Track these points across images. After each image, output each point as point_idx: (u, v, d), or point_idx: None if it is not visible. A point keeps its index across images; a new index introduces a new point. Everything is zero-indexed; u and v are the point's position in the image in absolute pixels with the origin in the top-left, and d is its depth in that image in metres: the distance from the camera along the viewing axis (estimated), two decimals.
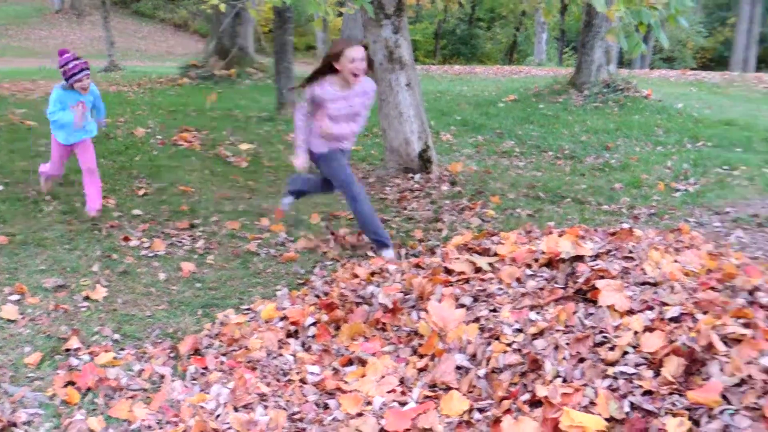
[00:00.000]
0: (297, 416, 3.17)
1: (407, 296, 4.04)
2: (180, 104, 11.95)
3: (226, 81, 16.38)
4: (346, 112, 5.22)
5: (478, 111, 12.43)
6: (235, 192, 7.16)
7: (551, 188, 7.38)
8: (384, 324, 3.89)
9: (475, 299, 3.88)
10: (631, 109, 12.13)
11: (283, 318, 4.08)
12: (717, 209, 6.68)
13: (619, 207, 6.76)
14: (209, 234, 5.83)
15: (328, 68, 5.14)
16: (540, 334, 3.37)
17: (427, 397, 3.22)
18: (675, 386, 2.89)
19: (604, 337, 3.23)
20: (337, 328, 3.93)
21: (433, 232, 5.94)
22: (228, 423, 3.08)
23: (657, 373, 2.98)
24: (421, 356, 3.54)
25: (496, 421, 2.94)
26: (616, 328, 3.27)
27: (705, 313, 3.27)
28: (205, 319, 4.28)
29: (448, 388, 3.24)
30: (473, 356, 3.42)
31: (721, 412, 2.74)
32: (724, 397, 2.79)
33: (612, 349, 3.14)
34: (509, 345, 3.37)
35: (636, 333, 3.18)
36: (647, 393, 2.90)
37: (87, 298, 4.46)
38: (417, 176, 7.64)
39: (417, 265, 4.50)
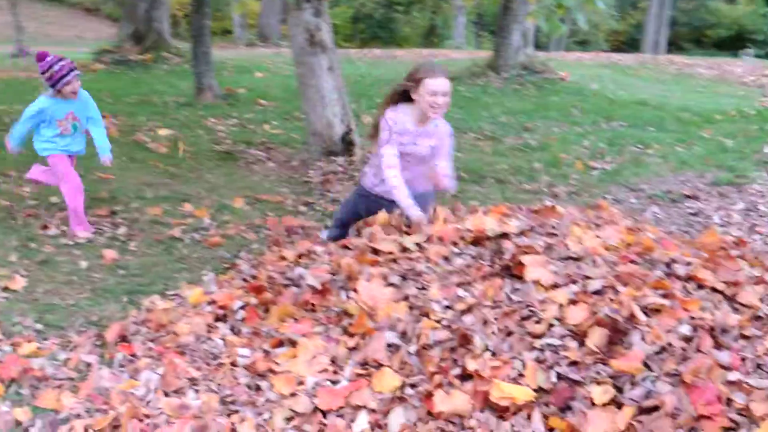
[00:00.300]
0: (229, 399, 3.15)
1: (335, 277, 4.05)
2: (95, 90, 11.60)
3: (142, 66, 16.04)
4: (410, 151, 4.38)
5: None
6: (155, 178, 7.04)
7: (473, 168, 7.47)
8: (313, 305, 3.88)
9: (404, 278, 3.91)
10: (548, 91, 12.36)
11: (211, 302, 4.04)
12: (633, 186, 6.89)
13: (540, 186, 6.91)
14: (131, 221, 5.73)
15: (401, 95, 4.37)
16: (468, 310, 3.42)
17: (359, 375, 3.24)
18: (599, 356, 2.98)
19: (531, 311, 3.30)
20: (266, 310, 3.91)
21: None
22: (160, 408, 3.05)
23: (582, 344, 3.07)
24: (352, 335, 3.55)
25: (428, 395, 2.98)
26: (542, 302, 3.34)
27: (626, 285, 3.37)
28: (131, 306, 4.22)
29: (379, 366, 3.27)
30: (403, 333, 3.45)
31: (643, 379, 2.84)
32: (645, 364, 2.89)
33: (538, 322, 3.22)
34: (438, 322, 3.41)
35: (561, 306, 3.26)
36: (573, 363, 2.98)
37: (6, 289, 4.35)
38: (340, 159, 7.64)
39: (344, 246, 4.51)
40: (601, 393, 2.84)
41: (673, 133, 9.27)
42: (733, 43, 33.48)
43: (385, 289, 3.75)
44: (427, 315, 3.49)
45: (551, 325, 3.19)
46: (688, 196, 6.57)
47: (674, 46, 34.97)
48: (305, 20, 7.42)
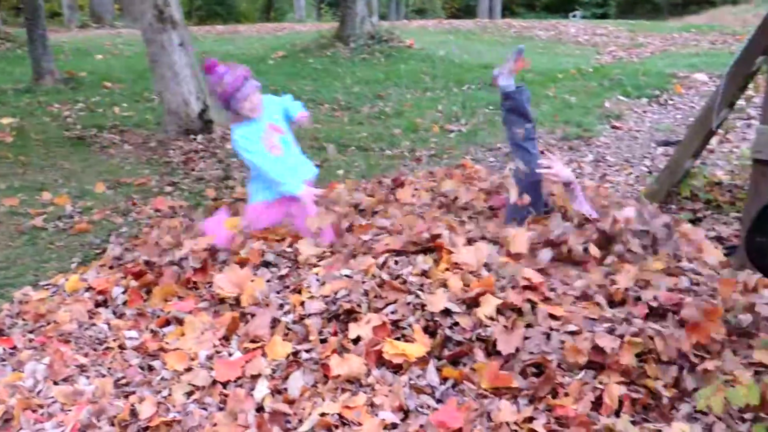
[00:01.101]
0: (123, 381, 3.11)
1: (216, 254, 4.05)
2: None
3: None
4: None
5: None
6: (6, 168, 6.71)
7: (334, 138, 7.54)
8: (195, 283, 3.88)
9: (279, 255, 3.99)
10: (397, 59, 12.54)
11: (89, 288, 3.95)
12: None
13: (401, 151, 7.05)
14: None
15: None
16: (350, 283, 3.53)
17: (247, 350, 3.26)
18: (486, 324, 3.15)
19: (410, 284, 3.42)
20: (149, 292, 3.86)
21: (225, 189, 5.93)
22: (52, 397, 2.98)
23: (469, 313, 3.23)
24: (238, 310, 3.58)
25: (324, 362, 3.05)
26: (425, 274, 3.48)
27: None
28: (2, 299, 4.05)
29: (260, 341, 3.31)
30: (281, 306, 3.51)
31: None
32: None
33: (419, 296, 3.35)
34: (317, 296, 3.49)
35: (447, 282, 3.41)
36: (463, 329, 3.13)
37: None
38: (199, 137, 7.53)
39: None
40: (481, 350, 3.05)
41: None
42: (563, 5, 34.88)
43: (260, 268, 3.82)
44: (299, 291, 3.56)
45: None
46: (542, 152, 6.84)
47: (508, 10, 36.09)
48: None
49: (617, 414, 2.82)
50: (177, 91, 7.48)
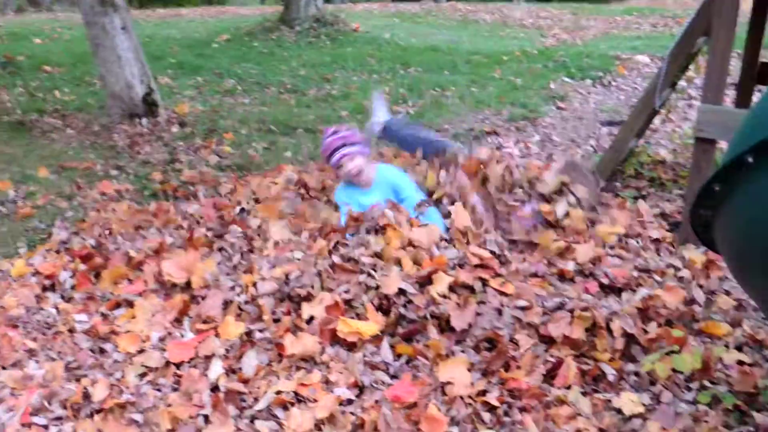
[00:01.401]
0: (74, 365, 3.08)
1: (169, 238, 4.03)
2: None
3: None
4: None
5: (192, 52, 12.18)
6: None
7: (281, 121, 7.49)
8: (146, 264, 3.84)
9: (220, 236, 3.99)
10: (343, 42, 12.50)
11: (36, 273, 3.89)
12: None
13: None
14: None
15: None
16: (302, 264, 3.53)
17: (200, 330, 3.25)
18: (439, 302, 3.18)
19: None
20: (98, 275, 3.82)
21: (172, 172, 5.86)
22: (2, 382, 2.93)
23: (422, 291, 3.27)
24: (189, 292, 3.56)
25: (278, 341, 3.05)
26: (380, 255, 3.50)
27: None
28: None
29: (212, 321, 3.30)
30: (232, 288, 3.50)
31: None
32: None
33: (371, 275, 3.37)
34: (269, 278, 3.48)
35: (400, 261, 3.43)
36: (416, 307, 3.16)
37: None
38: (144, 120, 7.41)
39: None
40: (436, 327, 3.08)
41: (466, 75, 9.68)
42: None
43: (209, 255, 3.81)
44: (251, 272, 3.56)
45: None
46: (489, 132, 6.94)
47: None
48: None
49: (567, 386, 2.88)
50: (120, 74, 7.35)
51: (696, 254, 4.01)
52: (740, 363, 3.06)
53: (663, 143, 6.50)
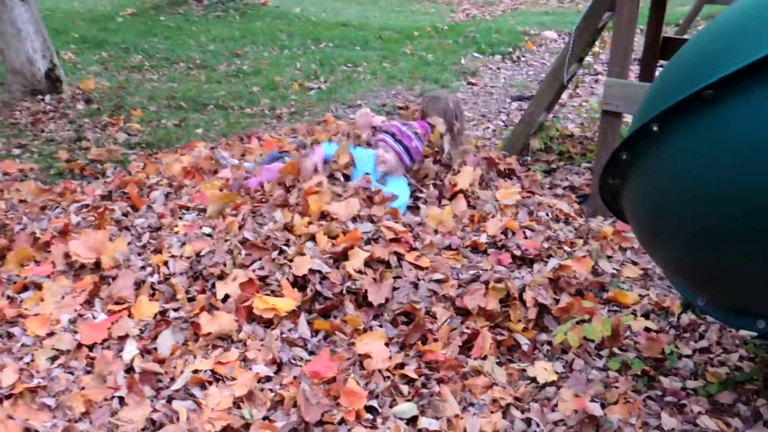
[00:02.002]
0: None
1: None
2: None
3: None
4: None
5: (96, 26, 11.80)
6: None
7: (191, 97, 7.36)
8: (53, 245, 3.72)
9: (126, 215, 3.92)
10: (252, 17, 12.31)
11: None
12: (350, 102, 7.16)
13: (261, 109, 6.97)
14: None
15: None
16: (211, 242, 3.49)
17: (111, 311, 3.17)
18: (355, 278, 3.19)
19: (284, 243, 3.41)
20: (2, 257, 3.68)
21: (79, 151, 5.69)
22: None
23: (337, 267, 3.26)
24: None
25: (194, 320, 3.01)
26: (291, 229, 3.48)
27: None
28: None
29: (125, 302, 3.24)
30: (143, 268, 3.43)
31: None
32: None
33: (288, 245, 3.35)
34: (180, 257, 3.43)
35: (314, 236, 3.41)
36: (332, 283, 3.15)
37: None
38: (47, 97, 7.16)
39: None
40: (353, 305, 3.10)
41: (378, 50, 9.68)
42: None
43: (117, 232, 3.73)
44: (160, 251, 3.49)
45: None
46: (401, 107, 6.95)
47: None
48: None
49: (483, 357, 2.94)
50: (20, 48, 7.07)
51: (604, 226, 4.12)
52: (647, 330, 3.18)
53: (571, 117, 6.64)
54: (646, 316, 3.34)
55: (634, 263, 3.83)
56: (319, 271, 3.15)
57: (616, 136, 4.32)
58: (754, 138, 1.85)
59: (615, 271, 3.68)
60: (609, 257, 3.80)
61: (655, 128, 2.02)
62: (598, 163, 4.35)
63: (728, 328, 3.20)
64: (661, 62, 5.65)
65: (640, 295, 3.49)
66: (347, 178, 4.05)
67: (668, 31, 5.58)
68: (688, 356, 3.06)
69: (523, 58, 9.53)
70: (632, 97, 4.16)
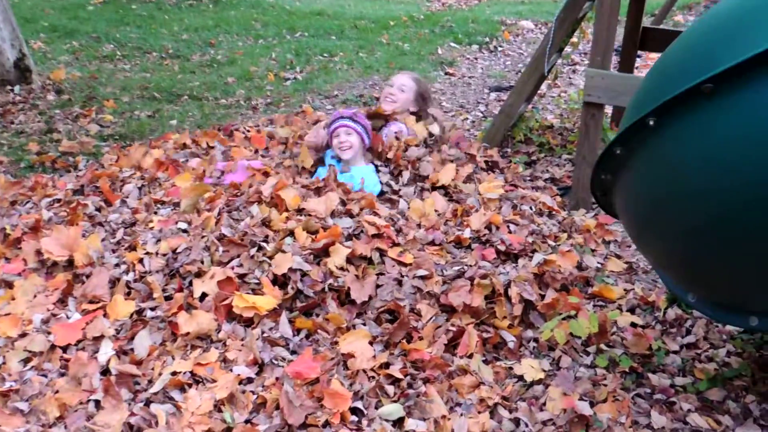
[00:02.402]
0: None
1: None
2: None
3: None
4: None
5: (66, 15, 11.59)
6: None
7: (165, 87, 7.22)
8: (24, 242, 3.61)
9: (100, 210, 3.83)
10: (226, 6, 12.15)
11: None
12: (326, 93, 7.07)
13: (237, 99, 6.86)
14: None
15: None
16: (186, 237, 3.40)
17: (86, 311, 3.07)
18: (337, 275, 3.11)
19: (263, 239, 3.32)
20: None
21: (50, 143, 5.55)
22: None
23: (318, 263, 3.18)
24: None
25: (171, 320, 2.92)
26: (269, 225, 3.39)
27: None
28: None
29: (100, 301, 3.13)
30: (117, 265, 3.32)
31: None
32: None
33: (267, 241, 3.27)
34: (156, 254, 3.33)
35: (293, 232, 3.32)
36: (314, 281, 3.08)
37: None
38: (17, 88, 7.00)
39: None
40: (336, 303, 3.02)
41: (354, 40, 9.58)
42: None
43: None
44: (135, 248, 3.39)
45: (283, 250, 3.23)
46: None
47: None
48: None
49: (469, 355, 2.88)
50: None
51: (587, 219, 4.08)
52: (634, 325, 3.14)
53: (550, 108, 6.60)
54: (631, 311, 3.30)
55: (618, 256, 3.79)
56: (300, 269, 3.07)
57: (598, 127, 4.27)
58: (754, 132, 1.80)
59: (599, 265, 3.64)
60: (593, 251, 3.76)
61: (651, 122, 1.97)
62: (580, 155, 4.30)
63: (716, 323, 3.17)
64: (640, 53, 5.63)
65: (625, 290, 3.45)
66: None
67: (645, 21, 5.53)
68: (675, 352, 3.02)
69: (500, 48, 9.47)
70: (614, 88, 4.11)
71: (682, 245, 2.18)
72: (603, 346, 2.99)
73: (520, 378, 2.81)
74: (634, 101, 2.26)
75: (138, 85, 7.33)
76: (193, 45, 9.47)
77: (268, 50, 9.03)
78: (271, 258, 3.13)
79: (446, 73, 8.10)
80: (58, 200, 4.02)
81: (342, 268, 3.12)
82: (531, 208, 3.96)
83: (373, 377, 2.71)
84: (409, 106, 4.39)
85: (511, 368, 2.86)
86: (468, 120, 6.32)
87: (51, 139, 5.66)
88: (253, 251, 3.18)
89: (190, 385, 2.63)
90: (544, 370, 2.85)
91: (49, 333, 2.90)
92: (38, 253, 3.41)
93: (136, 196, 4.02)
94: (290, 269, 3.06)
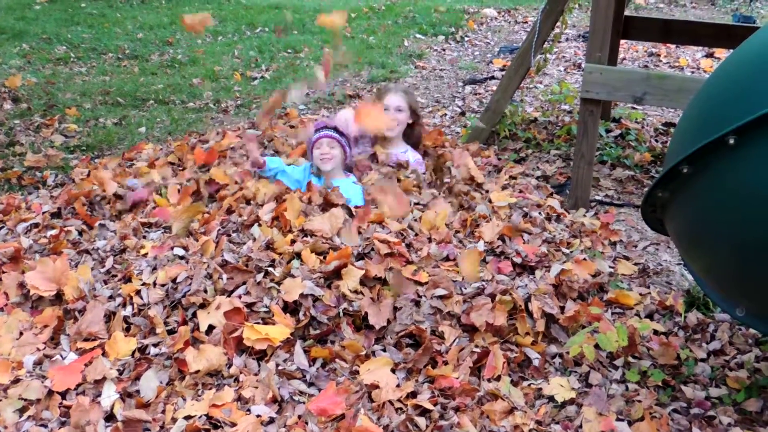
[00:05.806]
0: None
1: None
2: None
3: None
4: None
5: (13, 15, 11.16)
6: None
7: (128, 92, 6.93)
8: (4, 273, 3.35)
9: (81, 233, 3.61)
10: (179, 2, 11.83)
11: None
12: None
13: (205, 102, 6.61)
14: None
15: None
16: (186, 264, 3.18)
17: (82, 350, 2.84)
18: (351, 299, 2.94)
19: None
20: None
21: (13, 157, 5.25)
22: None
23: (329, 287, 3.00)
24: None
25: (178, 356, 2.71)
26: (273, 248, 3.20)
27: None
28: None
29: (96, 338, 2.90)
30: (111, 298, 3.09)
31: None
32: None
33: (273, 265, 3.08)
34: (153, 284, 3.10)
35: (300, 254, 3.13)
36: (327, 306, 2.89)
37: None
38: None
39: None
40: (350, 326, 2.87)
41: (317, 35, 9.35)
42: None
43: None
44: (129, 278, 3.16)
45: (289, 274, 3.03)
46: (352, 96, 6.69)
47: None
48: None
49: (497, 377, 2.73)
50: None
51: (589, 220, 3.97)
52: (656, 333, 3.02)
53: (528, 100, 6.47)
54: (650, 316, 3.19)
55: (627, 258, 3.68)
56: (312, 294, 2.88)
57: (596, 124, 4.15)
58: None
59: (611, 269, 3.51)
60: (601, 253, 3.64)
61: (731, 141, 1.82)
62: (578, 153, 4.18)
63: (739, 326, 3.08)
64: (623, 42, 5.53)
65: (641, 294, 3.33)
66: None
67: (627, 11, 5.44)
68: (703, 360, 2.91)
69: (466, 38, 9.33)
70: (613, 84, 3.99)
71: (733, 258, 2.06)
72: (630, 358, 2.87)
73: (551, 399, 2.67)
74: (697, 113, 2.10)
75: (98, 89, 7.03)
76: (150, 44, 9.16)
77: (230, 48, 8.77)
78: (279, 284, 2.93)
79: (416, 67, 7.92)
80: (36, 224, 3.76)
81: (356, 291, 2.94)
82: (540, 214, 3.80)
83: (401, 409, 2.54)
84: (406, 122, 4.30)
85: (540, 389, 2.72)
86: (447, 116, 6.16)
87: (14, 152, 5.34)
88: (259, 277, 2.97)
89: (208, 431, 2.43)
90: (574, 389, 2.71)
91: (44, 377, 2.67)
92: (21, 285, 3.17)
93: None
94: (301, 295, 2.86)
